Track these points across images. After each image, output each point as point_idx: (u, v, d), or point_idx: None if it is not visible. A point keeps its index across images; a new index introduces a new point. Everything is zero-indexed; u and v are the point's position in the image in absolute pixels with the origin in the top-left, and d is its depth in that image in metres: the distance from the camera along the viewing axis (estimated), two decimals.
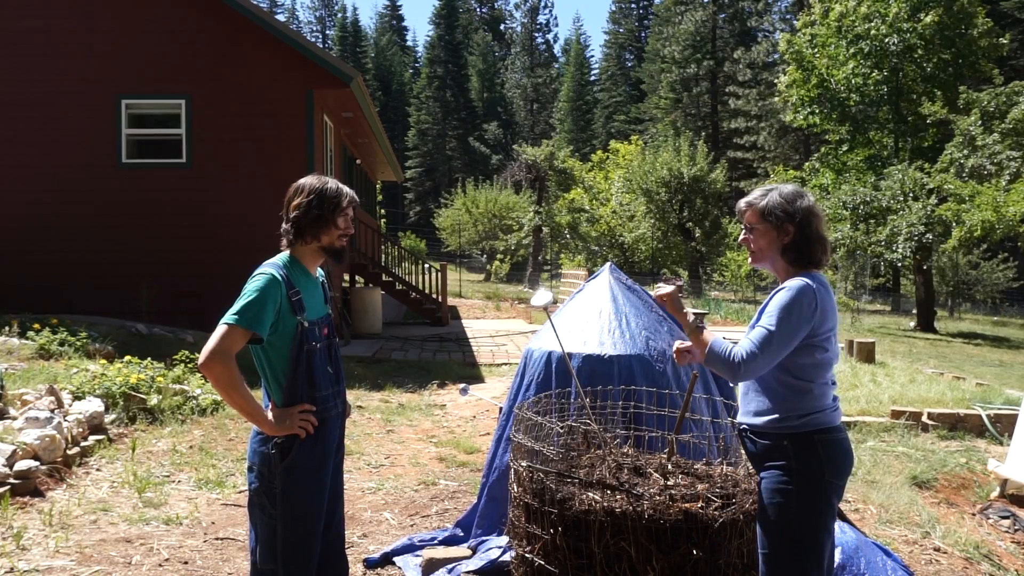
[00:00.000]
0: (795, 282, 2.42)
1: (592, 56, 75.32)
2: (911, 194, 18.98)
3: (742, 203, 2.59)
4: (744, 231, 2.59)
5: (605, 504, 2.73)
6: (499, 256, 34.30)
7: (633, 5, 68.77)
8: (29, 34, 11.59)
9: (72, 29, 11.67)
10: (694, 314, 2.62)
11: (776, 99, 27.73)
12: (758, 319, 2.47)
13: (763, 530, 2.46)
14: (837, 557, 3.42)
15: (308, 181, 2.65)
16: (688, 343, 2.75)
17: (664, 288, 2.67)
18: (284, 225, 2.64)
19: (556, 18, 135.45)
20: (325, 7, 77.89)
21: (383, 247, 19.47)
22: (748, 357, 2.36)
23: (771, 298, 2.46)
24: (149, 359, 7.41)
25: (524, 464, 2.96)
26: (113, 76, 11.62)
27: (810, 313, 2.38)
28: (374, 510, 4.80)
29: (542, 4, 68.20)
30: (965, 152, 18.57)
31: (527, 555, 2.92)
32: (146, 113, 12.17)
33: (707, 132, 44.03)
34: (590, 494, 2.80)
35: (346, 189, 2.68)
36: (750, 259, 2.63)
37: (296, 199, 2.61)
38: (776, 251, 2.51)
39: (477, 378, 9.65)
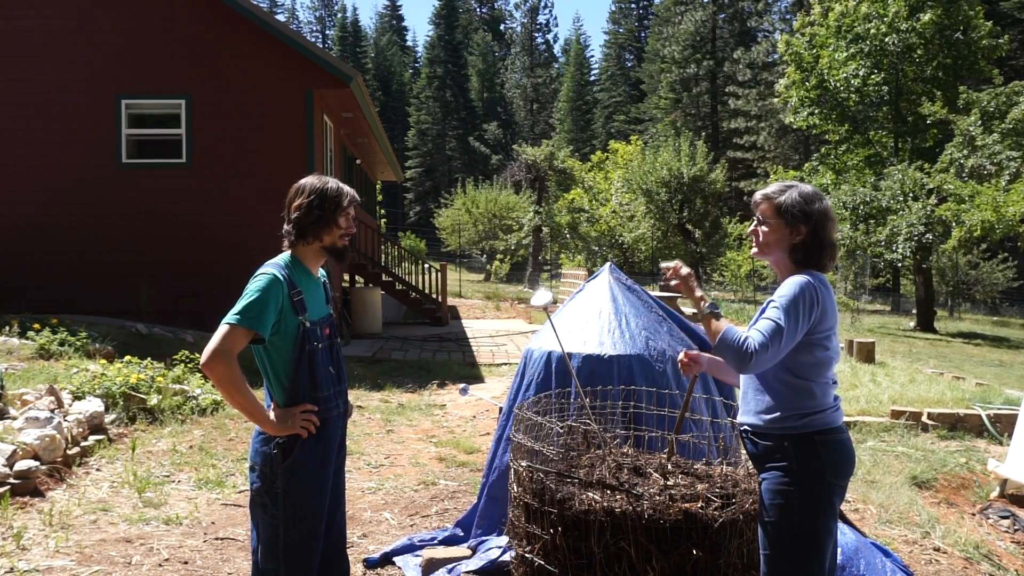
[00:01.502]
0: (796, 278, 2.43)
1: (592, 56, 75.41)
2: (911, 194, 18.99)
3: (759, 195, 2.58)
4: (755, 222, 2.58)
5: (605, 504, 2.73)
6: (499, 256, 34.31)
7: (633, 5, 68.78)
8: (29, 34, 11.59)
9: (72, 29, 11.66)
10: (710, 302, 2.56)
11: (776, 100, 27.75)
12: (761, 315, 2.47)
13: (764, 531, 2.47)
14: (837, 558, 3.42)
15: (309, 181, 2.65)
16: (695, 351, 2.74)
17: (684, 268, 2.57)
18: (285, 226, 2.64)
19: (556, 18, 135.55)
20: (325, 7, 77.91)
21: (383, 247, 19.47)
22: (760, 348, 2.31)
23: (777, 292, 2.45)
24: (149, 359, 7.41)
25: (524, 464, 2.97)
26: (113, 76, 11.62)
27: (811, 308, 2.38)
28: (374, 510, 4.81)
29: (542, 4, 68.23)
30: (965, 152, 18.57)
31: (527, 555, 2.93)
32: (146, 113, 12.17)
33: (707, 132, 44.02)
34: (590, 494, 2.80)
35: (347, 188, 2.68)
36: (754, 250, 2.62)
37: (297, 199, 2.62)
38: (784, 249, 2.51)
39: (477, 378, 9.65)
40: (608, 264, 4.30)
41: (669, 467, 3.10)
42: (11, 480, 4.70)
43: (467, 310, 19.64)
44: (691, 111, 50.88)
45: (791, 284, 2.41)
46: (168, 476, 5.35)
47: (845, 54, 21.94)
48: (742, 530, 2.75)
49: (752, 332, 2.36)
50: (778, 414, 2.44)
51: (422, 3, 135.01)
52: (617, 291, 4.10)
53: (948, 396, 7.51)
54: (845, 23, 21.90)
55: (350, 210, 2.67)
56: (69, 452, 5.31)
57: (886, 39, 21.11)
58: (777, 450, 2.43)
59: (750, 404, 2.54)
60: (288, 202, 2.65)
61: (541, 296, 3.44)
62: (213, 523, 4.51)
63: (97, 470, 5.38)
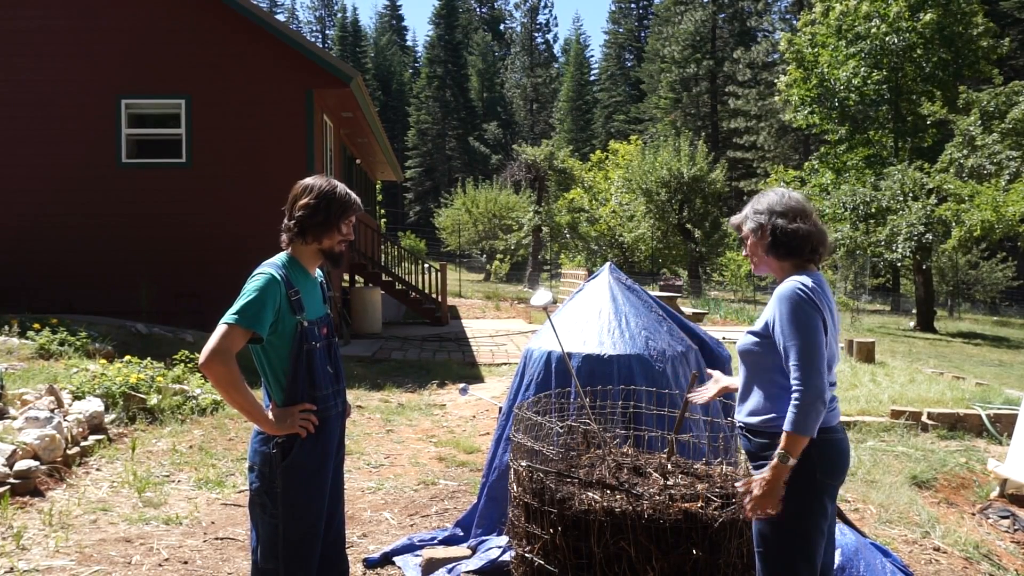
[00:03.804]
0: (785, 288, 2.45)
1: (592, 56, 75.44)
2: (911, 194, 18.99)
3: (733, 219, 2.75)
4: (741, 244, 2.73)
5: (605, 504, 2.73)
6: (499, 256, 34.31)
7: (633, 5, 68.78)
8: (29, 34, 11.59)
9: (72, 29, 11.66)
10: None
11: (776, 99, 27.76)
12: (765, 328, 2.49)
13: (757, 528, 2.48)
14: (837, 559, 3.41)
15: (317, 183, 2.64)
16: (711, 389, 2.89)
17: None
18: (287, 222, 2.64)
19: (556, 18, 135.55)
20: (325, 7, 77.91)
21: (383, 247, 19.46)
22: (805, 387, 2.31)
23: (773, 314, 2.47)
24: (149, 359, 7.41)
25: (524, 464, 2.97)
26: (113, 76, 11.62)
27: (812, 305, 2.39)
28: (374, 510, 4.81)
29: (542, 4, 68.22)
30: (965, 152, 18.58)
31: (527, 555, 2.92)
32: (146, 113, 12.17)
33: (707, 132, 44.05)
34: (590, 494, 2.80)
35: (354, 196, 2.69)
36: (752, 268, 2.73)
37: (304, 199, 2.61)
38: (765, 252, 2.58)
39: (477, 378, 9.65)
40: (608, 264, 4.30)
41: (669, 467, 3.10)
42: (11, 480, 4.70)
43: (467, 310, 19.64)
44: (691, 111, 50.88)
45: (779, 300, 2.44)
46: (168, 476, 5.35)
47: (845, 53, 21.94)
48: (742, 530, 2.75)
49: (793, 385, 2.36)
50: (773, 414, 2.46)
51: (422, 3, 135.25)
52: (617, 291, 4.09)
53: (948, 396, 7.51)
54: (846, 22, 21.90)
55: (353, 218, 2.68)
56: (69, 452, 5.31)
57: (886, 39, 21.11)
58: (770, 447, 2.44)
59: (746, 403, 2.56)
60: (292, 199, 2.64)
61: (541, 296, 3.44)
62: (213, 523, 4.50)
63: (97, 470, 5.38)
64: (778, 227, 2.53)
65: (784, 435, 2.34)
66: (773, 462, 2.35)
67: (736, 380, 2.74)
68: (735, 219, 2.72)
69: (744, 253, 2.70)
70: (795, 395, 2.34)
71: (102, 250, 11.47)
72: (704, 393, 2.97)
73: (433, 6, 75.79)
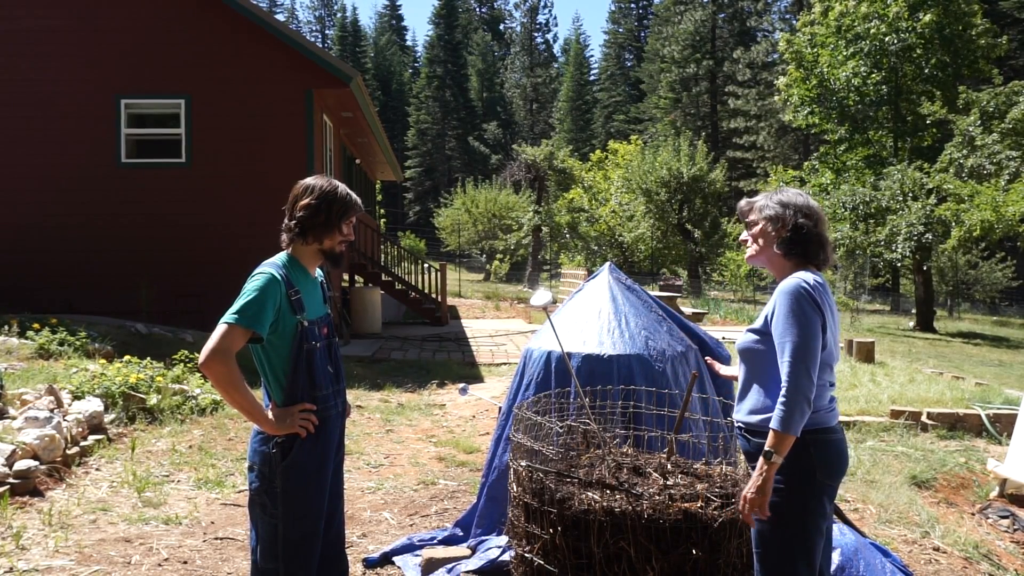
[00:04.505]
0: (788, 283, 2.44)
1: (592, 56, 75.48)
2: (910, 194, 19.00)
3: (743, 202, 2.68)
4: (745, 228, 2.65)
5: (604, 504, 2.73)
6: (499, 256, 34.32)
7: (633, 5, 68.79)
8: (29, 34, 11.59)
9: (72, 29, 11.66)
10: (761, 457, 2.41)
11: (776, 99, 27.77)
12: (765, 325, 2.48)
13: (756, 528, 2.48)
14: (836, 559, 3.42)
15: (318, 183, 2.64)
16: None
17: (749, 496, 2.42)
18: (288, 222, 2.64)
19: (556, 18, 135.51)
20: (325, 7, 77.93)
21: (383, 247, 19.46)
22: (793, 385, 2.31)
23: (773, 307, 2.46)
24: (148, 359, 7.41)
25: (523, 464, 2.97)
26: (113, 76, 11.62)
27: (814, 305, 2.38)
28: (374, 510, 4.81)
29: (542, 4, 68.22)
30: (964, 152, 18.59)
31: (526, 555, 2.92)
32: (146, 113, 12.17)
33: (706, 132, 44.04)
34: (589, 494, 2.80)
35: (355, 196, 2.69)
36: (747, 255, 2.67)
37: (305, 199, 2.61)
38: (773, 247, 2.55)
39: (477, 378, 9.64)
40: (608, 264, 4.29)
41: (669, 467, 3.10)
42: (10, 480, 4.69)
43: (467, 310, 19.64)
44: (691, 111, 50.90)
45: (783, 295, 2.42)
46: (168, 476, 5.35)
47: (845, 53, 21.94)
48: (741, 530, 2.75)
49: (783, 381, 2.36)
50: (771, 414, 2.44)
51: (422, 3, 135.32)
52: (617, 291, 4.09)
53: (948, 396, 7.51)
54: (845, 23, 21.91)
55: (353, 218, 2.69)
56: (68, 452, 5.31)
57: (886, 39, 21.12)
58: None
59: (745, 403, 2.55)
60: (293, 199, 2.64)
61: (541, 296, 3.44)
62: (212, 523, 4.50)
63: (96, 470, 5.38)
64: (802, 226, 2.50)
65: (771, 433, 2.33)
66: (760, 462, 2.34)
67: (736, 370, 2.74)
68: (746, 202, 2.65)
69: (744, 237, 2.65)
70: (782, 392, 2.33)
71: (102, 250, 11.47)
72: (726, 369, 3.27)
73: (433, 6, 75.85)
